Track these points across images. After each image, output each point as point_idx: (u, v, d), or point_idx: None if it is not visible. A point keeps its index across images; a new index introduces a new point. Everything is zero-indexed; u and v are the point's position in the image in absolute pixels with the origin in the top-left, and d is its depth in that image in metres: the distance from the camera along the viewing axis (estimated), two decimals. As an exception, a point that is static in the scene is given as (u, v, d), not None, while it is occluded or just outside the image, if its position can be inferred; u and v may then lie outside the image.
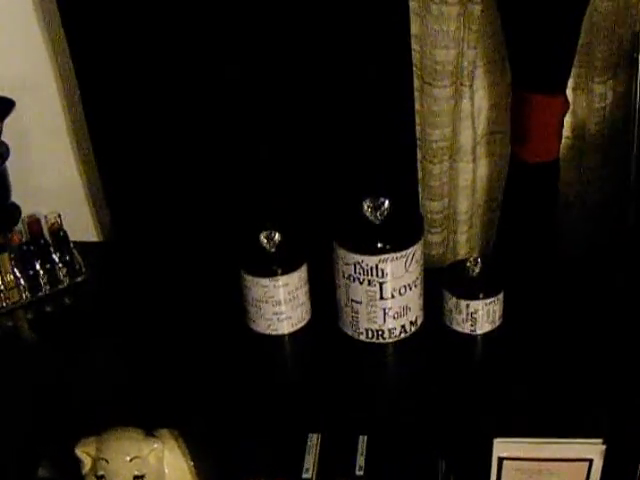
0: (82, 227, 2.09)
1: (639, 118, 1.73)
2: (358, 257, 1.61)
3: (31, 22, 1.85)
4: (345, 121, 1.79)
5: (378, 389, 1.67)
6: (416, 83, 1.76)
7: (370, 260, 1.61)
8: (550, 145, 1.74)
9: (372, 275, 1.62)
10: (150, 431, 1.77)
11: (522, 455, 1.73)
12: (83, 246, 1.98)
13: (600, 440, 1.68)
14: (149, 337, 1.81)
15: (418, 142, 1.82)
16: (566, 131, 1.82)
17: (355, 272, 1.63)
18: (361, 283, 1.64)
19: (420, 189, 1.86)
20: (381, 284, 1.63)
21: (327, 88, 1.77)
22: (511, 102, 1.75)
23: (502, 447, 1.71)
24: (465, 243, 1.95)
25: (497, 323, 1.73)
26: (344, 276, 1.65)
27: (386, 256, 1.60)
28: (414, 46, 1.72)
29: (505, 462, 1.74)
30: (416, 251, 1.63)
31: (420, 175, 1.85)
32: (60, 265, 1.90)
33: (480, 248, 2.00)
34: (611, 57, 1.73)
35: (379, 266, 1.61)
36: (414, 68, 1.74)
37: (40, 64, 1.90)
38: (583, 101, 1.80)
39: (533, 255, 1.83)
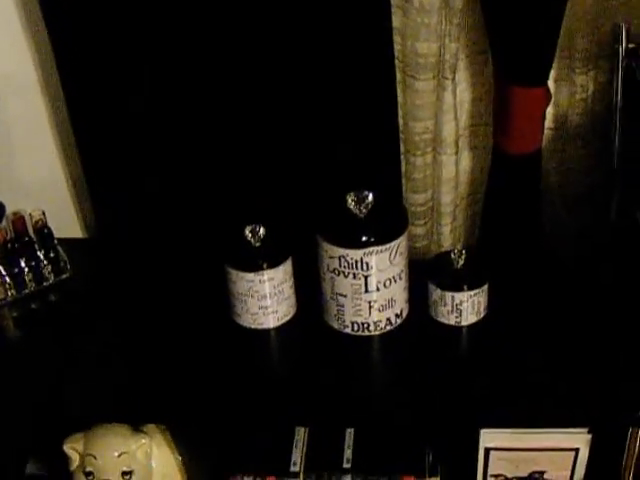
0: (67, 224, 2.08)
1: (620, 109, 1.74)
2: (342, 250, 1.62)
3: (13, 19, 1.84)
4: (328, 115, 1.79)
5: (364, 382, 1.68)
6: (398, 76, 1.76)
7: (355, 253, 1.61)
8: (532, 136, 1.75)
9: (357, 268, 1.63)
10: (138, 427, 1.78)
11: (508, 445, 1.75)
12: (68, 243, 1.97)
13: (586, 429, 1.69)
14: (135, 333, 1.81)
15: (401, 135, 1.83)
16: (548, 122, 1.83)
17: (340, 265, 1.63)
18: (346, 276, 1.64)
19: (404, 182, 1.87)
20: (366, 277, 1.64)
21: (310, 82, 1.77)
22: (494, 94, 1.75)
23: (489, 437, 1.73)
24: (449, 235, 1.95)
25: (482, 314, 1.74)
26: (329, 270, 1.66)
27: (370, 249, 1.61)
28: (396, 39, 1.72)
29: (492, 452, 1.76)
30: (400, 244, 1.64)
31: (403, 168, 1.86)
32: (45, 262, 1.90)
33: (464, 240, 2.01)
34: (592, 48, 1.74)
35: (364, 259, 1.61)
36: (396, 61, 1.74)
37: (23, 61, 1.89)
38: (565, 92, 1.80)
39: (517, 246, 1.84)
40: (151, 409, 1.72)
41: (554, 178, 1.88)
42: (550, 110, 1.81)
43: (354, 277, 1.64)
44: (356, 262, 1.62)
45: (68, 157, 2.02)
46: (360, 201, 1.64)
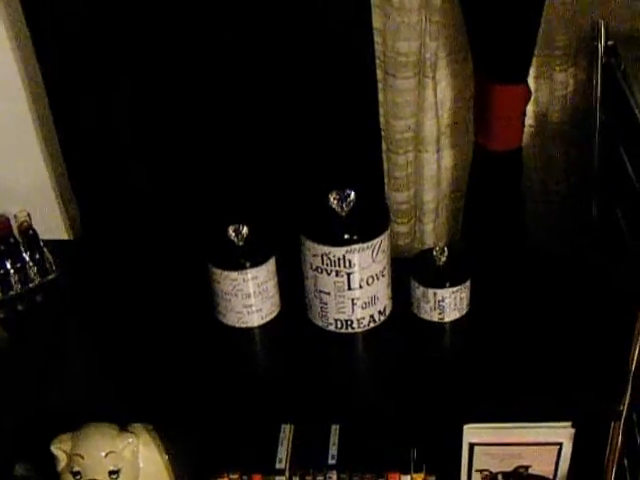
0: (52, 225, 2.09)
1: (600, 105, 1.75)
2: (325, 248, 1.63)
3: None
4: (310, 114, 1.80)
5: (348, 379, 1.68)
6: (379, 75, 1.77)
7: (337, 251, 1.62)
8: (513, 133, 1.76)
9: (339, 266, 1.64)
10: (125, 426, 1.79)
11: (492, 440, 1.76)
12: (53, 244, 1.97)
13: (569, 423, 1.70)
14: (121, 334, 1.81)
15: (382, 133, 1.84)
16: (529, 119, 1.84)
17: (323, 263, 1.64)
18: (329, 274, 1.65)
19: (386, 180, 1.88)
20: (349, 275, 1.65)
21: (293, 82, 1.78)
22: (474, 92, 1.76)
23: (472, 433, 1.74)
24: (432, 232, 1.96)
25: (464, 311, 1.75)
26: (312, 268, 1.67)
27: (353, 247, 1.62)
28: (376, 39, 1.74)
29: (476, 448, 1.77)
30: (382, 241, 1.65)
31: (385, 166, 1.87)
32: (31, 264, 1.90)
33: (447, 237, 2.02)
34: (572, 45, 1.75)
35: (346, 257, 1.62)
36: (377, 60, 1.75)
37: (6, 63, 1.90)
38: (545, 89, 1.81)
39: (499, 243, 1.85)
40: (138, 409, 1.73)
41: (535, 174, 1.89)
42: (531, 107, 1.82)
43: (337, 275, 1.65)
44: (339, 260, 1.63)
45: (53, 160, 2.03)
46: (342, 199, 1.65)
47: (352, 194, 1.66)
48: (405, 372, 1.67)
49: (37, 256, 1.91)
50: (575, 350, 1.67)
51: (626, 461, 1.69)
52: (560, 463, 1.79)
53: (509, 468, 1.81)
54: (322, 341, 1.74)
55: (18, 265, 1.89)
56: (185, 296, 1.85)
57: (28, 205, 1.92)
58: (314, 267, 1.67)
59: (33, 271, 1.91)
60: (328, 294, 1.69)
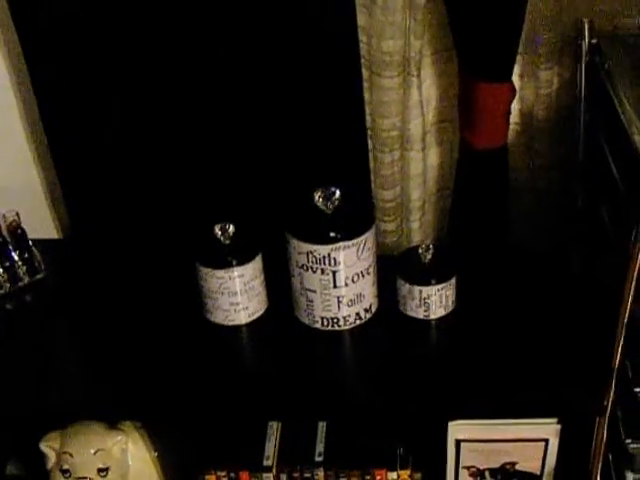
0: (42, 225, 2.10)
1: (585, 103, 1.75)
2: (310, 246, 1.64)
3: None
4: (296, 114, 1.81)
5: (335, 376, 1.69)
6: (365, 74, 1.78)
7: (322, 249, 1.64)
8: (498, 131, 1.77)
9: (325, 264, 1.65)
10: (114, 424, 1.79)
11: (479, 437, 1.77)
12: (42, 244, 1.99)
13: (555, 420, 1.71)
14: (109, 333, 1.83)
15: (369, 132, 1.84)
16: (514, 117, 1.85)
17: (308, 261, 1.66)
18: (314, 272, 1.66)
19: (372, 178, 1.88)
20: (334, 272, 1.66)
21: (278, 81, 1.79)
22: (459, 90, 1.77)
23: (458, 429, 1.75)
24: (418, 230, 1.97)
25: (450, 308, 1.77)
26: (298, 265, 1.68)
27: (338, 245, 1.63)
28: (361, 37, 1.74)
29: (462, 444, 1.77)
30: (367, 239, 1.66)
31: (372, 164, 1.87)
32: (19, 263, 1.91)
33: (434, 235, 2.03)
34: (556, 44, 1.76)
35: (331, 255, 1.64)
36: (362, 59, 1.76)
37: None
38: (530, 88, 1.82)
39: (485, 240, 1.85)
40: (126, 406, 1.74)
41: (521, 172, 1.90)
42: (516, 105, 1.83)
43: (322, 272, 1.66)
44: (324, 258, 1.64)
45: (43, 160, 2.03)
46: (327, 197, 1.67)
47: (337, 192, 1.67)
48: (391, 369, 1.69)
49: (26, 255, 1.92)
50: (560, 346, 1.68)
51: (610, 456, 1.69)
52: (547, 459, 1.80)
53: (496, 465, 1.82)
54: (308, 339, 1.75)
55: (7, 264, 1.91)
56: (173, 295, 1.87)
57: (18, 205, 1.93)
58: (300, 265, 1.68)
59: (22, 270, 1.93)
60: (314, 292, 1.70)
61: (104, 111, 1.85)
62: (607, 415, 1.60)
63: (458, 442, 1.78)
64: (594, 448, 1.66)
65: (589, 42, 1.72)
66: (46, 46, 1.80)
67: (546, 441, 1.76)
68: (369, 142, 1.85)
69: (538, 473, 1.83)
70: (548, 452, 1.78)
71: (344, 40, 1.73)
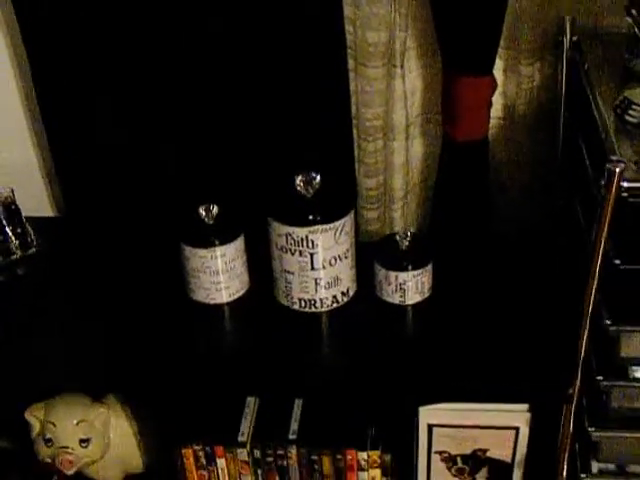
0: (38, 203, 2.14)
1: (565, 99, 1.78)
2: (289, 228, 1.68)
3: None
4: (284, 101, 1.85)
5: (310, 356, 1.74)
6: (351, 64, 1.81)
7: (300, 231, 1.68)
8: (479, 124, 1.80)
9: (303, 246, 1.69)
10: (99, 397, 1.84)
11: (450, 422, 1.80)
12: (37, 221, 2.04)
13: (525, 407, 1.74)
14: (96, 308, 1.87)
15: (354, 121, 1.88)
16: (497, 112, 1.88)
17: (287, 243, 1.70)
18: (293, 254, 1.71)
19: (356, 166, 1.92)
20: (312, 255, 1.70)
21: (266, 68, 1.82)
22: (442, 83, 1.81)
23: (429, 414, 1.78)
24: (401, 219, 2.01)
25: (426, 295, 1.80)
26: (277, 247, 1.72)
27: (316, 227, 1.67)
28: (348, 28, 1.78)
29: (435, 429, 1.81)
30: (345, 223, 1.70)
31: (356, 153, 1.91)
32: (12, 238, 1.96)
33: (416, 224, 2.06)
34: (538, 40, 1.78)
35: (309, 237, 1.68)
36: (349, 50, 1.79)
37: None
38: (512, 82, 1.85)
39: (465, 231, 1.89)
40: (110, 380, 1.79)
41: (503, 165, 1.93)
42: (498, 100, 1.86)
43: (300, 255, 1.70)
44: (302, 240, 1.69)
45: (39, 139, 2.08)
46: (308, 182, 1.71)
47: (318, 177, 1.71)
48: (365, 352, 1.72)
49: (19, 231, 1.97)
50: (531, 334, 1.72)
51: (577, 446, 1.71)
52: (518, 448, 1.83)
53: (467, 451, 1.86)
54: (286, 319, 1.80)
55: (0, 238, 1.95)
56: (158, 273, 1.91)
57: (14, 183, 1.98)
58: (279, 247, 1.72)
59: (15, 245, 1.97)
60: (292, 274, 1.74)
61: (98, 93, 1.89)
62: (573, 404, 1.62)
63: (430, 427, 1.82)
64: (561, 436, 1.67)
65: (570, 39, 1.74)
66: (43, 25, 1.84)
67: (517, 429, 1.79)
68: (354, 131, 1.88)
69: (509, 461, 1.85)
70: (519, 440, 1.81)
71: (331, 30, 1.76)
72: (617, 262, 1.43)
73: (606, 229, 1.38)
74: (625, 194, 1.35)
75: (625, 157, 1.36)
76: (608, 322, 1.48)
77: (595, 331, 1.51)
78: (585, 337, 1.53)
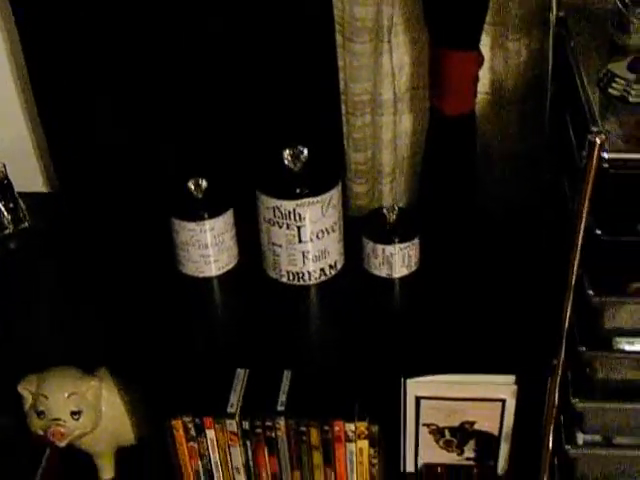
0: (31, 179, 2.16)
1: (552, 74, 1.79)
2: (277, 201, 1.70)
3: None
4: (273, 76, 1.86)
5: (299, 328, 1.77)
6: (339, 40, 1.82)
7: (288, 204, 1.70)
8: (466, 98, 1.82)
9: (290, 219, 1.71)
10: (91, 371, 1.86)
11: (438, 394, 1.82)
12: (29, 196, 2.06)
13: (512, 379, 1.76)
14: (87, 282, 1.90)
15: (342, 96, 1.89)
16: (485, 87, 1.89)
17: (275, 216, 1.72)
18: (280, 227, 1.73)
19: (345, 141, 1.93)
20: (299, 228, 1.72)
21: (256, 46, 1.84)
22: (429, 58, 1.82)
23: (417, 386, 1.80)
24: (389, 193, 2.02)
25: (413, 268, 1.82)
26: (265, 220, 1.74)
27: (303, 200, 1.69)
28: (336, 4, 1.78)
29: (422, 401, 1.82)
30: (333, 196, 1.72)
31: (345, 128, 1.92)
32: (5, 212, 1.98)
33: (405, 199, 2.07)
34: (524, 16, 1.79)
35: (297, 210, 1.70)
36: (336, 25, 1.81)
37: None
38: (499, 58, 1.86)
39: (452, 204, 1.90)
40: (101, 353, 1.80)
41: (491, 141, 1.94)
42: (485, 75, 1.87)
43: (288, 227, 1.73)
44: (289, 213, 1.70)
45: (32, 116, 2.09)
46: (295, 156, 1.73)
47: (305, 151, 1.73)
48: (352, 324, 1.75)
49: (11, 205, 1.98)
50: (517, 305, 1.74)
51: (562, 418, 1.73)
52: (504, 420, 1.84)
53: (455, 423, 1.87)
54: (275, 292, 1.82)
55: (-7, 212, 1.97)
56: (149, 247, 1.93)
57: (6, 158, 1.99)
58: (267, 220, 1.74)
59: (7, 219, 1.99)
60: (280, 246, 1.76)
61: (89, 69, 1.91)
62: (558, 375, 1.63)
63: (418, 399, 1.83)
64: (546, 408, 1.68)
65: (557, 15, 1.75)
66: (36, 7, 1.86)
67: (503, 401, 1.81)
68: (342, 106, 1.90)
69: (496, 433, 1.87)
70: (506, 413, 1.83)
71: (319, 5, 1.78)
72: (599, 233, 1.43)
73: (588, 200, 1.39)
74: (606, 165, 1.35)
75: (608, 129, 1.36)
76: (591, 293, 1.49)
77: (579, 303, 1.52)
78: (569, 309, 1.54)
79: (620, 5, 1.55)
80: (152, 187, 1.94)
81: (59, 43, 1.89)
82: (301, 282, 1.80)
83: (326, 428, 1.82)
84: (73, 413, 1.83)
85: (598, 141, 1.33)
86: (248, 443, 1.86)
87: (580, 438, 1.71)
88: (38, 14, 1.86)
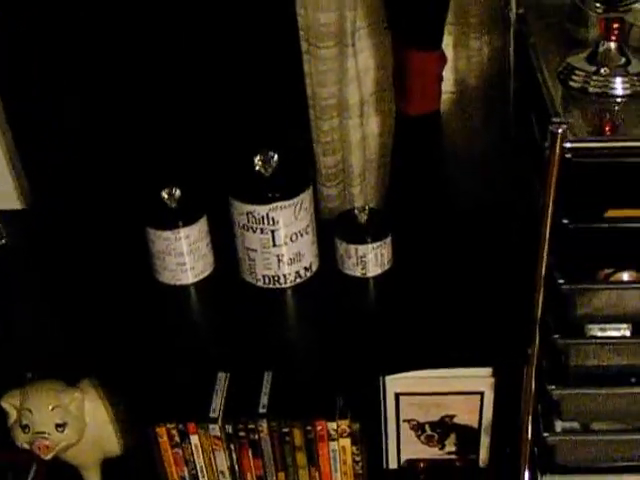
0: (6, 197, 2.17)
1: (514, 71, 1.82)
2: (250, 207, 1.73)
3: None
4: (241, 84, 1.90)
5: (277, 331, 1.78)
6: (304, 46, 1.84)
7: (261, 209, 1.73)
8: (430, 98, 1.84)
9: (264, 223, 1.74)
10: (74, 383, 1.87)
11: (417, 390, 1.84)
12: (5, 214, 2.07)
13: (489, 372, 1.78)
14: (65, 294, 1.91)
15: (310, 101, 1.91)
16: (449, 86, 1.91)
17: (248, 222, 1.74)
18: (254, 232, 1.75)
19: (315, 145, 1.96)
20: (273, 232, 1.75)
21: (224, 54, 1.87)
22: (393, 59, 1.85)
23: (396, 383, 1.82)
24: (360, 195, 2.04)
25: (387, 266, 1.85)
26: (239, 226, 1.77)
27: (275, 205, 1.72)
28: (299, 10, 1.81)
29: (402, 397, 1.85)
30: (304, 199, 1.75)
31: (314, 132, 1.95)
32: (-19, 230, 1.99)
33: (376, 200, 2.10)
34: (485, 14, 1.82)
35: (270, 214, 1.72)
36: (300, 32, 1.83)
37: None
38: (462, 57, 1.88)
39: (422, 203, 1.93)
40: (82, 365, 1.81)
41: (456, 138, 1.97)
42: (450, 75, 1.90)
43: (262, 232, 1.75)
44: (263, 217, 1.73)
45: (5, 132, 2.11)
46: (266, 161, 1.75)
47: (275, 156, 1.76)
48: (330, 324, 1.77)
49: (-13, 223, 2.00)
50: (491, 298, 1.77)
51: (540, 407, 1.76)
52: (483, 412, 1.87)
53: (435, 418, 1.90)
54: (252, 296, 1.84)
55: (-32, 231, 1.98)
56: (125, 257, 1.94)
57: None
58: (241, 225, 1.77)
59: (-17, 237, 2.00)
60: (255, 251, 1.79)
61: (59, 82, 1.93)
62: (533, 364, 1.66)
63: (397, 395, 1.86)
64: (523, 398, 1.71)
65: (516, 12, 1.77)
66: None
67: (481, 394, 1.84)
68: (310, 111, 1.92)
69: (476, 426, 1.90)
70: (484, 405, 1.86)
71: (283, 13, 1.80)
72: (566, 222, 1.46)
73: (553, 190, 1.42)
74: (569, 155, 1.38)
75: (570, 120, 1.39)
76: (561, 282, 1.52)
77: (551, 292, 1.54)
78: (540, 298, 1.57)
79: (576, 0, 1.58)
80: (126, 197, 1.95)
81: (28, 54, 1.91)
82: (277, 285, 1.82)
83: (309, 428, 1.84)
84: (58, 426, 1.84)
85: (560, 131, 1.36)
86: (232, 447, 1.88)
87: (558, 426, 1.75)
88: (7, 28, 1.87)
